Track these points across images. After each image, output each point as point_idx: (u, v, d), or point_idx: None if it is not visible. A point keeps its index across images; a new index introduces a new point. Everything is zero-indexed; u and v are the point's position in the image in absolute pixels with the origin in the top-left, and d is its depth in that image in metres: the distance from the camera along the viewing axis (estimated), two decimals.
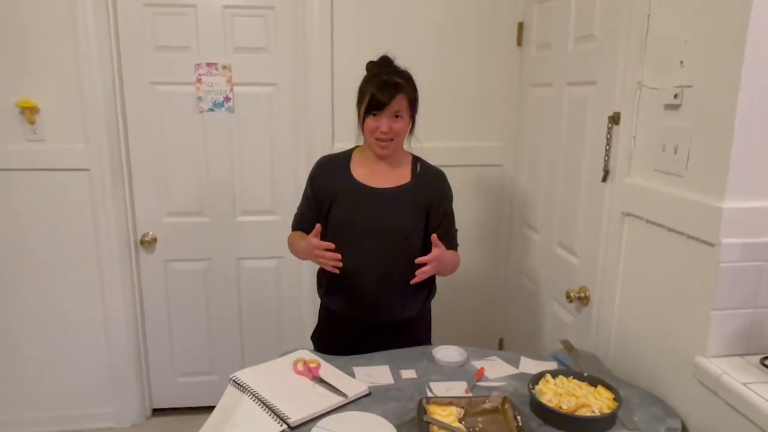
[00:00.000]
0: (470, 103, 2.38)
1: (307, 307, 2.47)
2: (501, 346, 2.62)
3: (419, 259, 1.48)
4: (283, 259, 2.44)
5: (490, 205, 2.49)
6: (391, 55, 1.58)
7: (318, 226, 1.50)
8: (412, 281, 1.50)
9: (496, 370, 1.47)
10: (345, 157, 1.66)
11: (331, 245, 1.49)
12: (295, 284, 2.49)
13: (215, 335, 2.51)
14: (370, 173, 1.61)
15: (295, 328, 2.53)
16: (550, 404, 1.21)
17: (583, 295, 1.73)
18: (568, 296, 1.76)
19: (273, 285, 2.50)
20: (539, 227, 2.16)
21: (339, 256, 1.49)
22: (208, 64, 2.25)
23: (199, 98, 2.28)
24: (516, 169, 2.40)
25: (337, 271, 1.51)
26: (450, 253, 1.63)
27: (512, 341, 2.50)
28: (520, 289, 2.37)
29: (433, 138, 2.33)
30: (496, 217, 2.51)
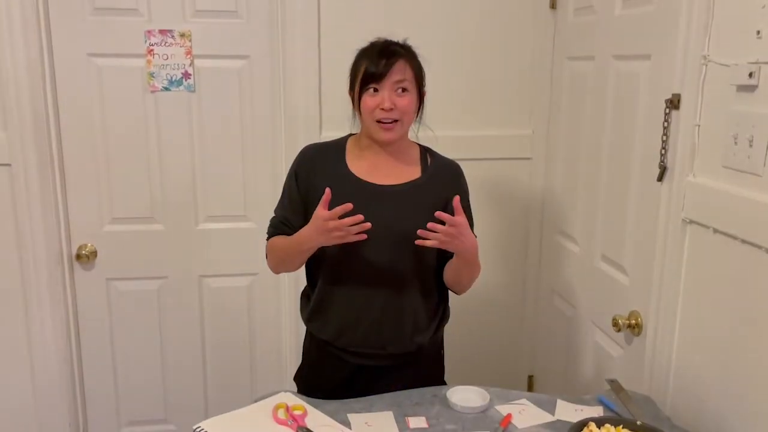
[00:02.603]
0: (492, 81, 2.40)
1: (289, 337, 2.48)
2: (530, 385, 2.63)
3: (438, 214, 1.43)
4: (258, 276, 2.45)
5: (516, 207, 2.51)
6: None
7: (328, 191, 1.45)
8: (417, 242, 1.45)
9: (526, 417, 1.48)
10: (338, 146, 1.68)
11: (348, 206, 1.41)
12: (273, 308, 2.50)
13: (171, 374, 2.52)
14: (371, 167, 1.63)
15: (274, 365, 2.54)
16: None
17: (634, 322, 1.75)
18: (615, 323, 1.79)
19: (245, 309, 2.51)
20: (578, 236, 2.18)
21: (361, 217, 1.42)
22: (162, 32, 2.26)
23: (151, 74, 2.29)
24: (549, 164, 2.43)
25: (365, 236, 1.46)
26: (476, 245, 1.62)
27: (544, 379, 2.52)
28: (554, 314, 2.39)
29: (446, 125, 2.33)
30: (524, 223, 2.53)
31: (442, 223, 1.45)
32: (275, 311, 2.50)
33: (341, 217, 1.43)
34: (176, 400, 2.53)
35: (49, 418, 2.41)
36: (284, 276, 2.36)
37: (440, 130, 2.14)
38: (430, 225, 1.44)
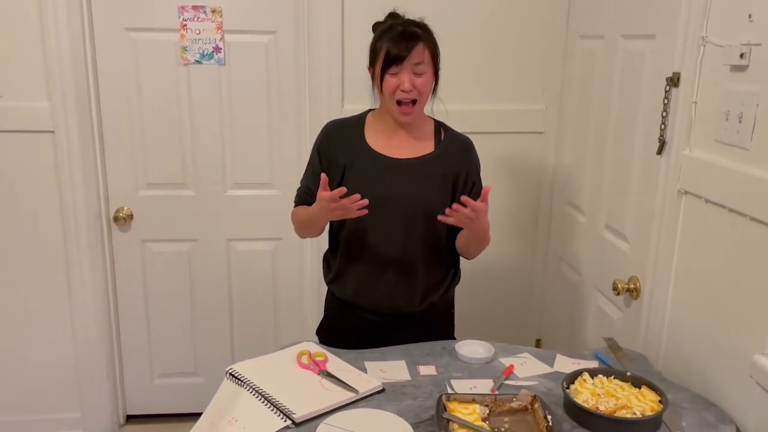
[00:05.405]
0: (507, 58, 2.48)
1: (310, 297, 2.62)
2: (538, 347, 2.75)
3: (464, 198, 1.55)
4: (282, 240, 2.59)
5: (528, 180, 2.62)
6: (401, 12, 1.73)
7: (324, 176, 1.58)
8: (440, 217, 1.59)
9: (527, 368, 1.62)
10: (358, 122, 1.80)
11: (343, 190, 1.55)
12: (295, 271, 2.64)
13: (201, 330, 2.67)
14: (387, 141, 1.75)
15: (296, 323, 2.68)
16: (586, 405, 1.36)
17: (633, 286, 1.87)
18: (615, 288, 1.90)
19: (269, 271, 2.64)
20: (585, 207, 2.28)
21: (358, 196, 1.55)
22: (195, 7, 2.36)
23: (184, 48, 2.40)
24: (560, 138, 2.52)
25: (366, 212, 1.57)
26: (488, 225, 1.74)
27: (551, 341, 2.65)
28: (561, 280, 2.51)
29: (463, 100, 2.44)
30: (536, 195, 2.63)
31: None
32: (298, 274, 2.64)
33: (344, 196, 1.54)
34: (205, 355, 2.69)
35: (89, 369, 2.57)
36: (307, 241, 2.50)
37: (457, 104, 2.22)
38: (455, 206, 1.55)
